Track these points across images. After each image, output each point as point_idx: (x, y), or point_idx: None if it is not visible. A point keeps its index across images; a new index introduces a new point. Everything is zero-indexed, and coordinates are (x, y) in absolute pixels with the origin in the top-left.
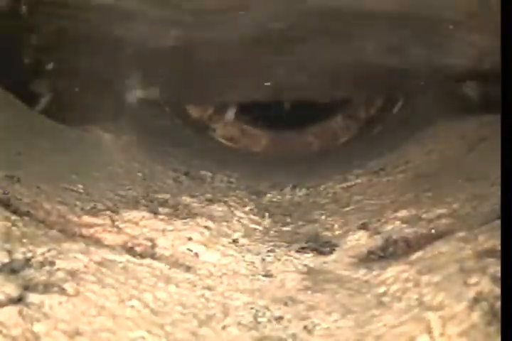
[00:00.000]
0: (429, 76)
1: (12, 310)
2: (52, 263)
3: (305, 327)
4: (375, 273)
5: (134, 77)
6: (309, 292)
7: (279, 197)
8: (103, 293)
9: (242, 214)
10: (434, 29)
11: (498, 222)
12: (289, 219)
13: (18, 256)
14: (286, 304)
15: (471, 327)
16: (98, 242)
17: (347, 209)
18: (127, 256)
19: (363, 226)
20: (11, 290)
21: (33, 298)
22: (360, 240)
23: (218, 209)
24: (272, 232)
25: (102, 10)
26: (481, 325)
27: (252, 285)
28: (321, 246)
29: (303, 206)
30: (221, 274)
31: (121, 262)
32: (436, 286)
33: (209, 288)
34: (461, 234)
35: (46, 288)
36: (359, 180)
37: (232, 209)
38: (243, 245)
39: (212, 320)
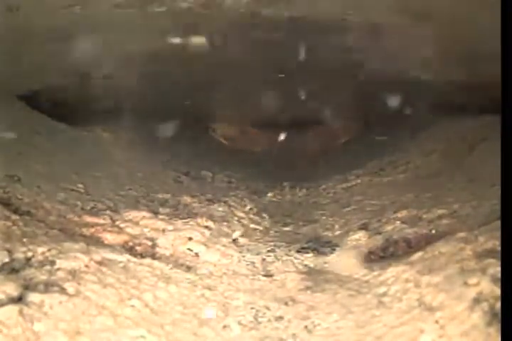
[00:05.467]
0: None
1: (12, 309)
2: (52, 263)
3: (305, 327)
4: (375, 273)
5: None
6: (309, 292)
7: (279, 197)
8: (103, 292)
9: (242, 214)
10: None
11: (498, 223)
12: (289, 219)
13: (19, 255)
14: (286, 304)
15: (472, 328)
16: (98, 242)
17: (347, 209)
18: (128, 256)
19: (364, 227)
20: (12, 289)
21: (33, 297)
22: (360, 240)
23: (218, 209)
24: (272, 232)
25: None
26: (482, 325)
27: (252, 285)
28: (322, 246)
29: (303, 206)
30: (221, 274)
31: (121, 262)
32: (437, 287)
33: (209, 288)
34: (461, 234)
35: (46, 287)
36: (359, 180)
37: (232, 209)
38: (243, 245)
39: (212, 320)
